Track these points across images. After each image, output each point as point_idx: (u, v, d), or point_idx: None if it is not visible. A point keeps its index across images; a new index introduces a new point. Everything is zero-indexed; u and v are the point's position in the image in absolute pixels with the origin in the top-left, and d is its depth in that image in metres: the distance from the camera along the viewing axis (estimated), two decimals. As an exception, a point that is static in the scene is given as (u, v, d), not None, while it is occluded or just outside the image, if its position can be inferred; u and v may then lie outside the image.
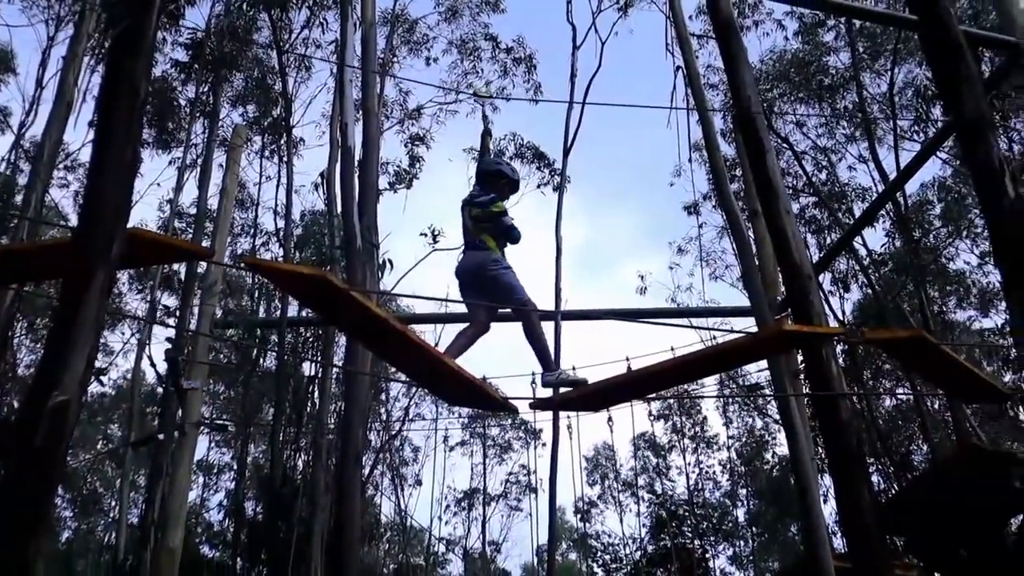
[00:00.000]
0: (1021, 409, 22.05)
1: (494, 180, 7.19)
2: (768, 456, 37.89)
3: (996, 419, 24.05)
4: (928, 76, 21.75)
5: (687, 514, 35.99)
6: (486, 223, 6.91)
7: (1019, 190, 6.23)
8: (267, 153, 25.18)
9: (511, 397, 6.34)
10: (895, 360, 7.90)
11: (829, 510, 17.76)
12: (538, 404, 6.53)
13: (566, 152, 20.85)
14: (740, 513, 38.96)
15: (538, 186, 24.07)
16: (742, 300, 21.16)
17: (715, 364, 6.55)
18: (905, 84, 24.22)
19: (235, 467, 30.12)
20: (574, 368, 6.53)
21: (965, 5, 23.50)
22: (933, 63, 6.68)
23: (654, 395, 8.05)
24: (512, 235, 6.97)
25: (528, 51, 25.54)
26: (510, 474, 40.90)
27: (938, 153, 22.86)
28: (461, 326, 6.90)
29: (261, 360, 24.34)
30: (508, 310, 7.00)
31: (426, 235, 20.08)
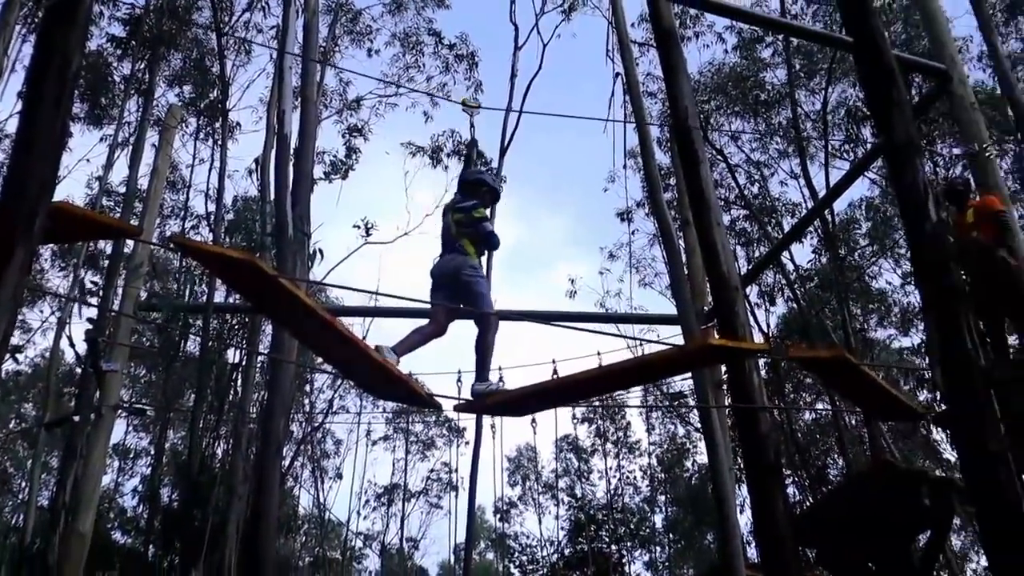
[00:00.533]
0: (934, 428, 22.61)
1: (475, 188, 7.35)
2: (688, 464, 38.33)
3: (910, 437, 24.64)
4: (860, 97, 22.23)
5: (605, 519, 36.22)
6: (467, 228, 7.02)
7: (941, 215, 6.40)
8: (202, 135, 24.74)
9: (437, 394, 6.35)
10: (816, 377, 8.07)
11: (745, 520, 18.03)
12: (463, 407, 6.55)
13: (502, 152, 20.89)
14: (658, 519, 39.36)
15: (473, 184, 24.04)
16: (670, 308, 21.38)
17: (641, 375, 6.63)
18: (838, 103, 24.71)
19: (152, 452, 29.59)
20: (502, 380, 6.57)
21: (899, 30, 24.04)
22: (866, 85, 6.83)
23: (578, 403, 8.09)
24: (492, 241, 7.17)
25: (470, 48, 25.60)
26: (432, 471, 40.87)
27: (867, 173, 23.37)
28: (390, 320, 6.91)
29: (184, 345, 23.95)
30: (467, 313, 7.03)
31: (359, 227, 19.97)
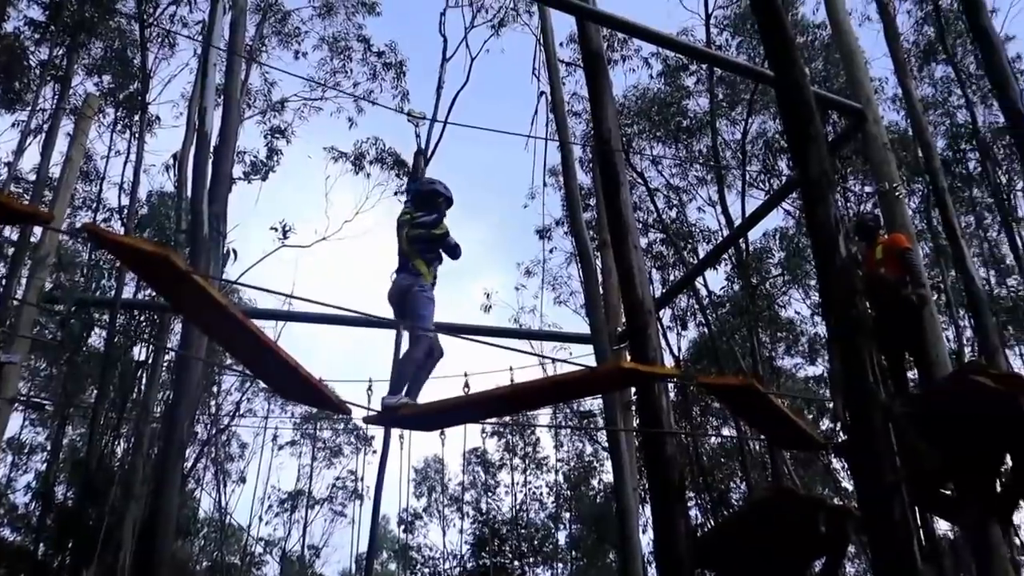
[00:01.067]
0: (834, 458, 23.14)
1: (431, 200, 7.20)
2: (594, 482, 38.57)
3: (810, 465, 25.18)
4: (779, 129, 22.75)
5: (509, 534, 36.25)
6: (423, 244, 6.93)
7: (850, 249, 6.58)
8: (119, 127, 24.21)
9: (347, 401, 6.30)
10: (723, 404, 8.25)
11: (647, 540, 18.23)
12: (373, 419, 6.50)
13: (426, 162, 20.80)
14: (562, 536, 39.47)
15: (395, 193, 24.03)
16: (585, 327, 21.60)
17: (552, 395, 6.66)
18: (758, 134, 25.25)
19: (48, 449, 28.76)
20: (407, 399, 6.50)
21: (820, 67, 24.67)
22: (785, 119, 6.99)
23: (489, 420, 8.11)
24: (455, 253, 7.12)
25: (399, 57, 25.49)
26: (337, 479, 40.35)
27: (782, 204, 23.90)
28: (305, 326, 6.84)
29: (88, 339, 23.36)
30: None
31: (276, 230, 19.72)
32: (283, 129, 24.40)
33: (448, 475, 42.04)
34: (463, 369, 6.60)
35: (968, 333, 25.74)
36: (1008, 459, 7.79)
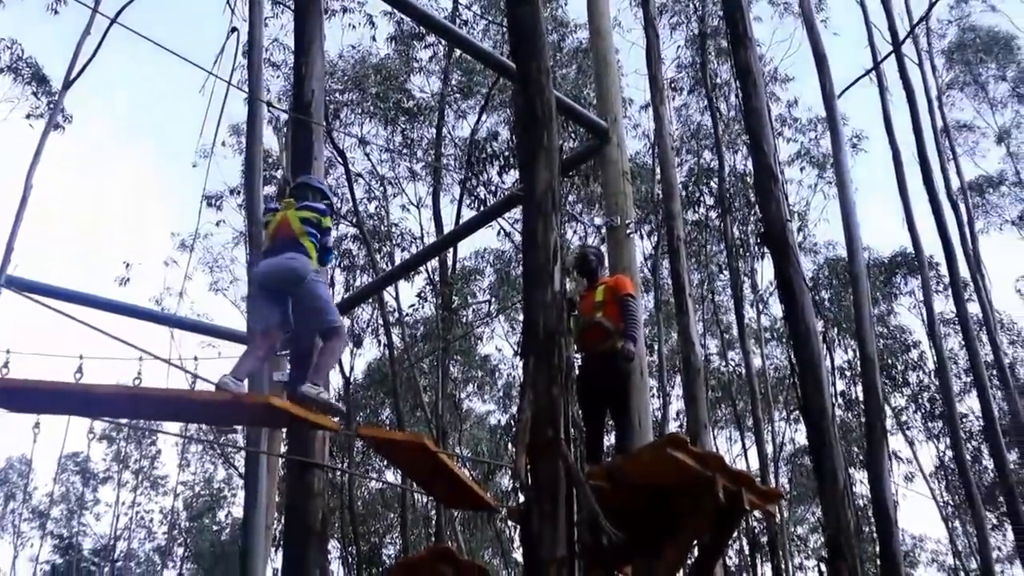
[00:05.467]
0: (507, 523, 23.92)
1: (320, 196, 7.85)
2: (221, 515, 37.93)
3: (479, 529, 25.90)
4: (513, 139, 23.28)
5: (98, 566, 34.94)
6: (311, 228, 7.43)
7: (566, 284, 6.76)
8: None
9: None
10: (385, 458, 8.30)
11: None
12: None
13: (68, 83, 19.50)
14: (170, 575, 38.49)
15: (27, 116, 22.62)
16: (243, 324, 21.18)
17: (181, 410, 6.41)
18: (490, 134, 25.66)
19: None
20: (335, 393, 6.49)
21: (573, 75, 25.59)
22: (520, 122, 7.13)
23: (101, 418, 7.75)
24: (329, 256, 7.80)
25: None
26: None
27: (504, 224, 24.58)
28: None
29: None
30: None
31: None
32: None
33: (35, 482, 39.93)
34: (80, 350, 6.29)
35: (678, 405, 27.52)
36: (695, 547, 8.33)
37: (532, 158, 6.82)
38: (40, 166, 14.82)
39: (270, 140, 23.42)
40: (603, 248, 11.01)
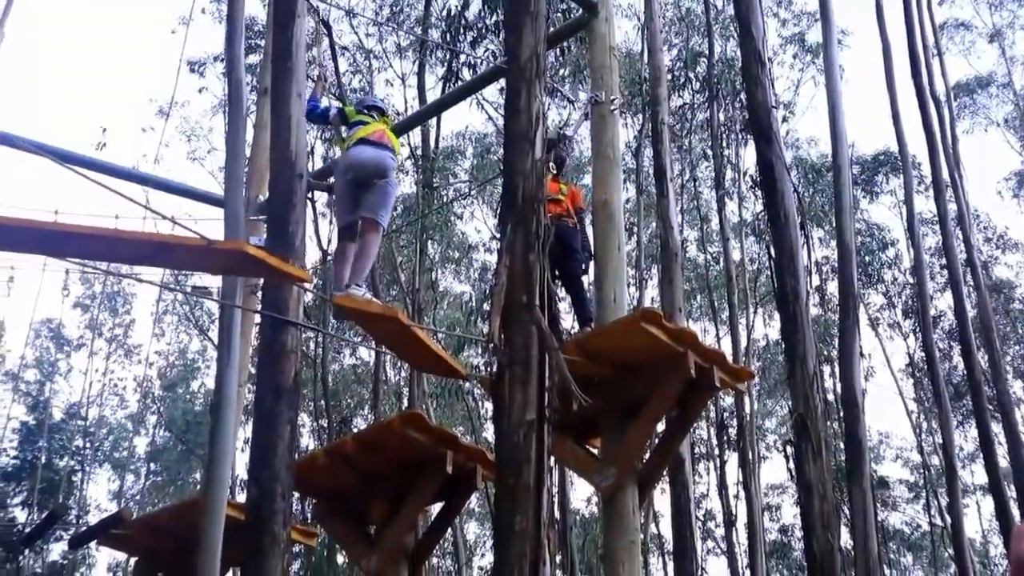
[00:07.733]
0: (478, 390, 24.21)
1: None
2: (195, 385, 38.09)
3: (451, 409, 26.09)
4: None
5: (66, 424, 35.04)
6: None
7: (544, 156, 6.72)
8: None
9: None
10: (360, 327, 8.39)
11: (245, 458, 18.26)
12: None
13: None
14: (141, 443, 38.70)
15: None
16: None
17: (156, 255, 6.36)
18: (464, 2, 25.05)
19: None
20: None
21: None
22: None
23: (78, 263, 7.69)
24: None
25: None
26: None
27: (488, 110, 24.38)
28: None
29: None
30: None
31: None
32: None
33: (7, 344, 39.85)
34: (55, 205, 6.23)
35: (654, 292, 27.61)
36: (663, 421, 8.49)
37: (518, 23, 6.78)
38: (12, 16, 14.44)
39: (255, 7, 23.01)
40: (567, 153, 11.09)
